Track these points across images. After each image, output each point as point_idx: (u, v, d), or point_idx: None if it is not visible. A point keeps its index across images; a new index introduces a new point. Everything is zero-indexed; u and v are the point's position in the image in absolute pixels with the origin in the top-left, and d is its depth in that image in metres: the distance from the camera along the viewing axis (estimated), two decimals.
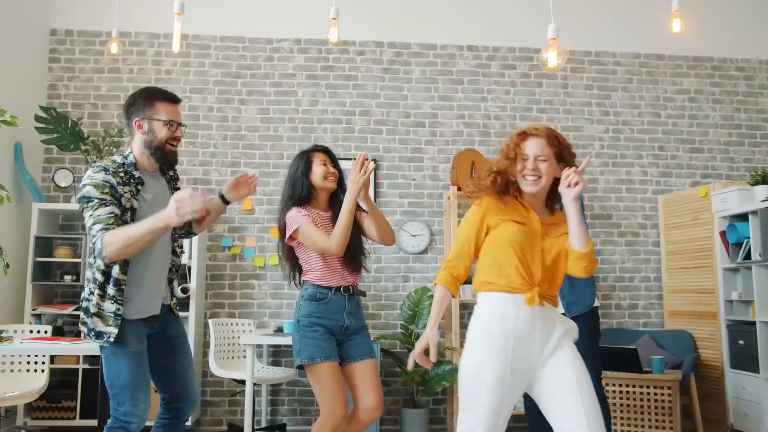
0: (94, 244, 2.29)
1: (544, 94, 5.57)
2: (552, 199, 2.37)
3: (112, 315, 2.37)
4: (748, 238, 4.59)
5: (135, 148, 2.51)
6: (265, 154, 5.33)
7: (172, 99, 2.56)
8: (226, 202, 2.80)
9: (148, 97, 2.51)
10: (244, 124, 5.35)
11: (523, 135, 2.32)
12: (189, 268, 4.80)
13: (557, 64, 3.24)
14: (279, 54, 5.44)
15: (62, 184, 5.06)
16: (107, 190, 2.34)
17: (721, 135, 5.65)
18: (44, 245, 4.81)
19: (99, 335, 2.37)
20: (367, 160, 2.83)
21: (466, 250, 2.31)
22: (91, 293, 2.40)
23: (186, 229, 2.80)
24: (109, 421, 2.40)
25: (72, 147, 4.98)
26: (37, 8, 5.20)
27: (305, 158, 2.98)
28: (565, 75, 5.59)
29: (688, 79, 5.68)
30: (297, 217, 2.86)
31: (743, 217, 4.69)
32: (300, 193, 2.93)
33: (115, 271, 2.38)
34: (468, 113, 5.48)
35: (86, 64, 5.33)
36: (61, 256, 4.83)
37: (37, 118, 4.90)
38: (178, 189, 2.67)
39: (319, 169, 2.96)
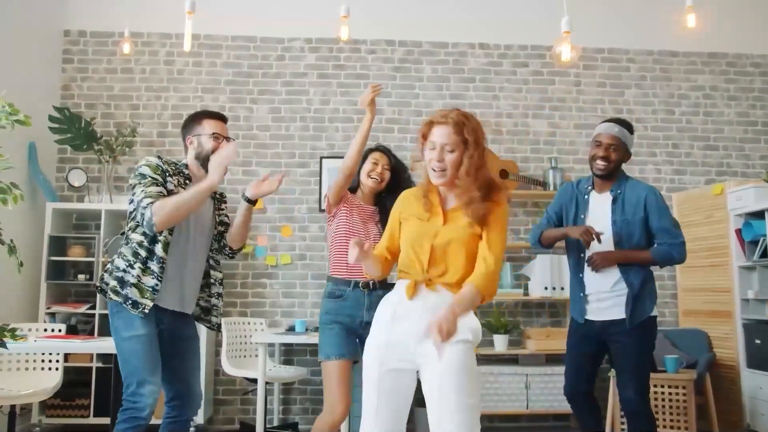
0: (143, 214, 2.48)
1: (557, 92, 5.53)
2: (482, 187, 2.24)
3: (150, 289, 2.53)
4: (765, 236, 4.53)
5: (189, 161, 2.78)
6: (276, 153, 5.34)
7: (218, 116, 2.82)
8: (250, 201, 2.80)
9: (196, 117, 2.81)
10: (255, 123, 5.36)
11: (430, 124, 2.26)
12: None
13: (571, 58, 3.21)
14: (290, 53, 5.45)
15: (76, 184, 5.09)
16: (159, 172, 2.59)
17: (736, 132, 5.59)
18: (58, 244, 4.84)
19: (135, 305, 2.52)
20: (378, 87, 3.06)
21: (384, 240, 2.42)
22: (130, 266, 2.55)
23: (223, 243, 2.87)
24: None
25: (85, 147, 5.01)
26: (50, 10, 5.24)
27: (366, 155, 3.16)
28: (577, 72, 5.55)
29: (703, 75, 5.62)
30: None
31: (759, 214, 4.63)
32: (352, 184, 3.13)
33: (159, 249, 2.56)
34: (480, 111, 5.45)
35: (99, 65, 5.36)
36: (75, 255, 4.86)
37: (51, 119, 4.94)
38: (223, 209, 2.90)
39: (366, 165, 3.13)
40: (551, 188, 5.16)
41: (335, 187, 3.04)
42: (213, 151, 2.70)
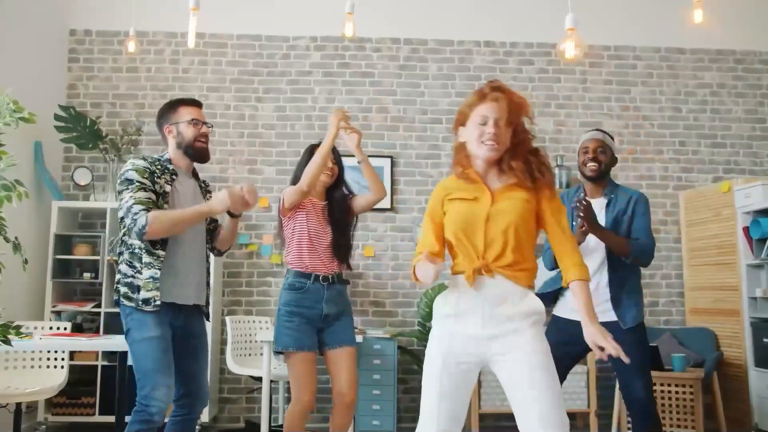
0: (135, 220, 2.46)
1: (563, 90, 5.50)
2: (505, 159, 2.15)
3: (152, 280, 2.53)
4: None
5: (170, 152, 2.75)
6: (281, 151, 5.34)
7: (194, 102, 2.80)
8: (232, 215, 2.81)
9: (172, 106, 2.77)
10: (260, 122, 5.36)
11: (482, 96, 2.13)
12: None
13: (575, 55, 3.19)
14: (295, 51, 5.44)
15: (81, 183, 5.10)
16: (147, 175, 2.57)
17: (744, 129, 5.55)
18: (64, 243, 4.85)
19: (146, 301, 2.52)
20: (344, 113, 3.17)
21: (427, 239, 2.20)
22: (138, 271, 2.55)
23: (213, 244, 2.92)
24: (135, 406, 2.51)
25: (91, 146, 5.03)
26: (56, 9, 5.25)
27: (309, 150, 3.20)
28: (584, 70, 5.52)
29: (710, 72, 5.59)
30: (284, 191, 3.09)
31: (767, 212, 4.60)
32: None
33: (152, 245, 2.55)
34: None
35: (105, 64, 5.37)
36: (81, 253, 4.87)
37: (57, 117, 4.96)
38: (209, 194, 2.87)
39: None
40: (557, 186, 5.14)
41: (295, 198, 3.01)
42: (195, 139, 2.70)
